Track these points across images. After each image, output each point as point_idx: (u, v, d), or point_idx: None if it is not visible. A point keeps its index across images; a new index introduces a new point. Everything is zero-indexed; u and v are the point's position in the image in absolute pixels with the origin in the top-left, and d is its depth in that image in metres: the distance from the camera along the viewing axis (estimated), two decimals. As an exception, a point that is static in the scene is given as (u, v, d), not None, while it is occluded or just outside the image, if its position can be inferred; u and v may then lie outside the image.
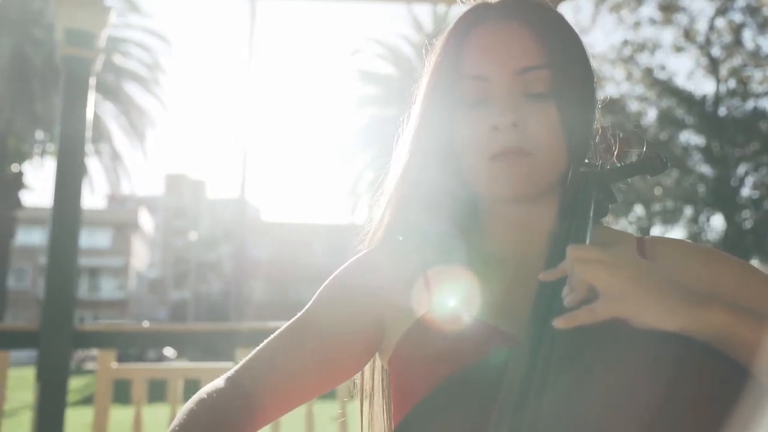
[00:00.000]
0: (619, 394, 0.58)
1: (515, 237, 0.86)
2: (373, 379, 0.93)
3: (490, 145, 0.79)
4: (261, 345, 0.86)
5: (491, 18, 0.83)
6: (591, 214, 0.77)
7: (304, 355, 0.84)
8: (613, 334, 0.62)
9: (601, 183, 0.86)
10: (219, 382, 0.82)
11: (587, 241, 0.73)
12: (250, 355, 0.86)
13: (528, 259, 0.83)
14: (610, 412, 0.57)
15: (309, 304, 0.88)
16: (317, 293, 0.89)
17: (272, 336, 0.87)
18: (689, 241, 0.90)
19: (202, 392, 0.81)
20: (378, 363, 0.93)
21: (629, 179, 0.91)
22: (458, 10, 0.88)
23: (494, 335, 0.76)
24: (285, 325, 0.88)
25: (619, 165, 0.90)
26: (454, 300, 0.80)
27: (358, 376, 0.94)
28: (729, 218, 14.84)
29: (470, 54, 0.82)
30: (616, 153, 0.91)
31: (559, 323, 0.61)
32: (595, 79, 0.88)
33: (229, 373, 0.84)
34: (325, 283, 0.90)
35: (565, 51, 0.82)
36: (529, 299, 0.70)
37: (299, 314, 0.88)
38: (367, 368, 0.94)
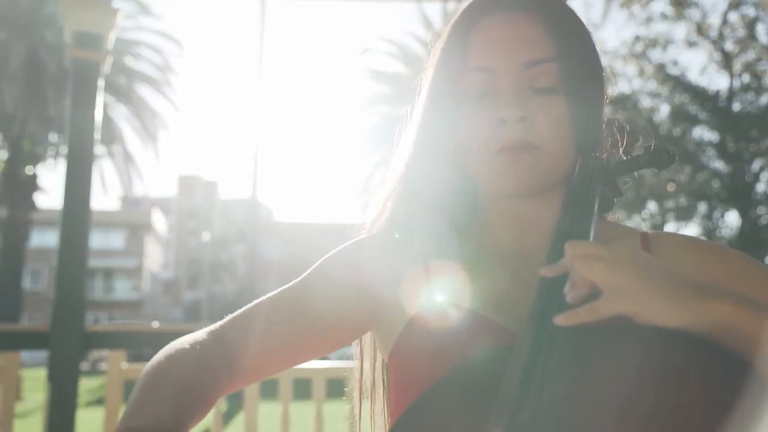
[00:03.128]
0: (621, 393, 0.56)
1: (518, 232, 0.84)
2: (374, 376, 0.92)
3: (496, 138, 0.77)
4: (249, 307, 0.85)
5: (498, 9, 0.81)
6: (595, 208, 0.75)
7: (291, 331, 0.83)
8: (616, 332, 0.61)
9: (606, 176, 0.84)
10: (201, 335, 0.80)
11: (591, 236, 0.71)
12: (236, 314, 0.84)
13: (531, 254, 0.81)
14: (611, 412, 0.55)
15: (304, 278, 0.86)
16: (315, 270, 0.87)
17: (264, 300, 0.85)
18: (700, 237, 0.88)
19: (182, 341, 0.79)
20: (379, 359, 0.92)
21: (635, 173, 0.89)
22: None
23: (495, 331, 0.75)
24: (279, 291, 0.86)
25: (625, 158, 0.88)
26: (453, 295, 0.79)
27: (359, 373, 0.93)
28: (744, 214, 14.68)
29: (476, 45, 0.80)
30: (622, 147, 0.89)
31: (560, 321, 0.59)
32: (604, 73, 0.86)
33: (212, 328, 0.82)
34: (324, 263, 0.87)
35: (573, 44, 0.80)
36: (532, 295, 0.68)
37: (293, 285, 0.86)
38: (368, 365, 0.93)
